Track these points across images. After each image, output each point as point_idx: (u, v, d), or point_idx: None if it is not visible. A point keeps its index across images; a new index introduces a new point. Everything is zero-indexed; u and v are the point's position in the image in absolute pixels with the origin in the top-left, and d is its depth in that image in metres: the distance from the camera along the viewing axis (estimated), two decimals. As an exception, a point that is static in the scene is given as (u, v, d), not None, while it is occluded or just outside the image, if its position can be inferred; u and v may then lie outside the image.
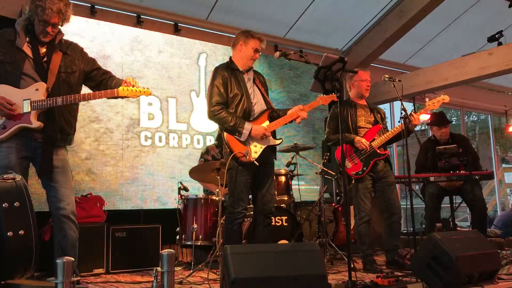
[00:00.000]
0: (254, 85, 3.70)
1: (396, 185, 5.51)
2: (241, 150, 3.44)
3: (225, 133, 3.51)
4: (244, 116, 3.52)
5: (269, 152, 3.62)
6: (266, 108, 3.66)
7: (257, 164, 3.44)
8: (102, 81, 3.26)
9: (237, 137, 3.46)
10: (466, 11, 7.14)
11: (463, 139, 5.59)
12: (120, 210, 5.25)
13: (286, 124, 3.67)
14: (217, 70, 3.61)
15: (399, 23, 6.80)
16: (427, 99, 4.36)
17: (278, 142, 3.64)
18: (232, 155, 3.42)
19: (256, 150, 3.50)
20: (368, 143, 4.18)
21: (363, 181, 4.22)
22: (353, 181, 4.27)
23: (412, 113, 4.22)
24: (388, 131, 4.29)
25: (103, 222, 4.55)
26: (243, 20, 6.38)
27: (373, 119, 4.36)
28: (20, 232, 1.95)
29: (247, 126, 3.44)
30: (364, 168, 4.19)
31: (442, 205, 5.48)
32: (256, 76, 3.77)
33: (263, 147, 3.53)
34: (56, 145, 3.08)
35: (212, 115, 3.51)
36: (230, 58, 3.72)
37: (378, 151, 4.21)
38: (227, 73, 3.58)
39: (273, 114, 3.70)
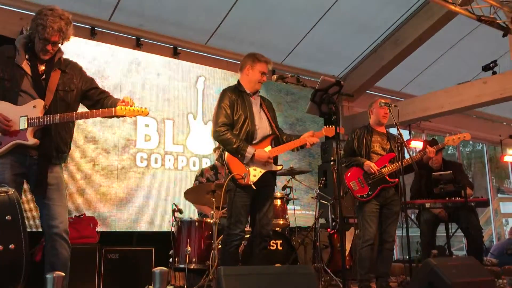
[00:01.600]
0: (261, 110, 3.71)
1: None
2: (240, 172, 3.42)
3: (226, 154, 3.50)
4: (246, 138, 3.51)
5: (270, 176, 3.61)
6: (270, 133, 3.66)
7: (254, 188, 3.42)
8: (99, 100, 3.26)
9: (240, 159, 3.45)
10: (460, 40, 7.26)
11: (456, 165, 5.59)
12: (113, 231, 5.20)
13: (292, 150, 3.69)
14: (225, 92, 3.63)
15: (395, 51, 6.92)
16: (447, 135, 4.41)
17: (278, 168, 3.63)
18: (230, 176, 3.41)
19: (255, 173, 3.48)
20: (377, 167, 4.19)
21: (369, 205, 4.21)
22: (357, 203, 4.28)
23: (428, 147, 4.28)
24: (404, 159, 4.29)
25: (95, 243, 4.51)
26: (242, 46, 6.46)
27: (388, 146, 4.38)
28: (10, 246, 1.91)
29: (250, 150, 3.44)
30: (370, 193, 4.20)
31: (437, 234, 5.45)
32: (263, 102, 3.79)
33: (263, 171, 3.51)
34: (52, 162, 3.06)
35: (217, 136, 3.51)
36: (238, 81, 3.74)
37: (388, 178, 4.22)
38: (234, 95, 3.60)
39: (278, 140, 3.70)
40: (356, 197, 4.27)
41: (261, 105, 3.73)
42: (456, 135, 4.32)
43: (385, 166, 4.24)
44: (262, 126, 3.64)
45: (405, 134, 8.25)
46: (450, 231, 5.31)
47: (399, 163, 4.20)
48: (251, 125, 3.55)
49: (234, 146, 3.43)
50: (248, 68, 3.67)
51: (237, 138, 3.46)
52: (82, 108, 3.29)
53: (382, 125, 4.48)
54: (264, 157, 3.47)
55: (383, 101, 4.29)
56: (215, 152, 5.33)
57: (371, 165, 4.20)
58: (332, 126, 3.64)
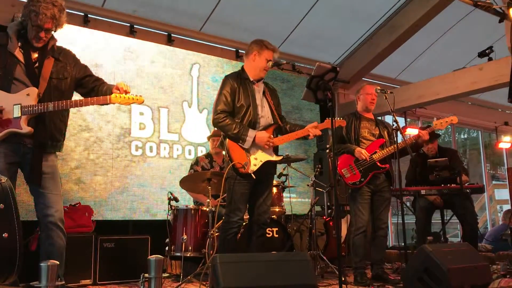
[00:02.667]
0: (263, 98, 3.66)
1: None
2: (241, 160, 3.41)
3: (227, 141, 3.49)
4: (248, 126, 3.48)
5: (270, 165, 3.60)
6: (272, 123, 3.62)
7: (254, 177, 3.41)
8: (94, 88, 3.23)
9: (241, 145, 3.42)
10: (455, 25, 7.23)
11: (451, 152, 5.60)
12: (109, 220, 5.19)
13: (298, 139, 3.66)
14: (227, 79, 3.59)
15: (390, 38, 6.88)
16: (434, 119, 4.40)
17: (278, 158, 3.60)
18: (231, 165, 3.39)
19: (255, 162, 3.46)
20: (368, 154, 4.19)
21: (361, 192, 4.22)
22: (350, 191, 4.28)
23: (420, 130, 4.28)
24: (399, 143, 4.29)
25: (91, 232, 4.50)
26: (236, 32, 6.41)
27: (377, 132, 4.38)
28: (4, 235, 1.90)
29: (251, 133, 3.41)
30: (362, 179, 4.20)
31: (433, 221, 5.48)
32: (267, 89, 3.74)
33: (263, 161, 3.49)
34: (46, 151, 3.04)
35: (216, 123, 3.48)
36: (242, 67, 3.70)
37: (379, 164, 4.22)
38: (236, 82, 3.55)
39: (281, 130, 3.68)
40: (348, 184, 4.25)
41: (264, 92, 3.69)
42: (444, 118, 4.33)
43: (375, 152, 4.24)
44: (264, 115, 3.60)
45: (401, 121, 8.25)
46: (445, 217, 5.35)
47: (390, 148, 4.21)
48: (253, 114, 3.51)
49: (235, 131, 3.40)
50: (255, 54, 3.61)
51: (237, 123, 3.43)
52: (76, 96, 3.26)
53: (369, 111, 4.48)
54: (264, 139, 3.43)
55: (378, 88, 4.28)
56: (209, 140, 5.31)
57: (362, 152, 4.19)
58: (337, 119, 3.64)
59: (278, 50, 3.69)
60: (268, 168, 3.56)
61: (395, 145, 4.18)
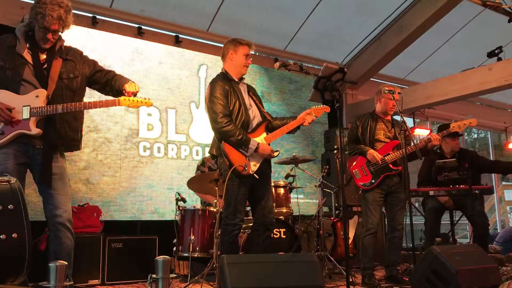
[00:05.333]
0: (249, 97, 3.69)
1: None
2: (240, 162, 3.40)
3: (224, 145, 3.47)
4: (242, 127, 3.49)
5: (265, 164, 3.59)
6: (263, 120, 3.65)
7: (257, 177, 3.42)
8: (107, 82, 3.25)
9: (243, 151, 3.42)
10: (464, 26, 7.18)
11: (472, 154, 5.55)
12: (117, 220, 5.21)
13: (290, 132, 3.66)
14: (216, 82, 3.57)
15: (399, 38, 6.85)
16: (452, 121, 4.40)
17: (276, 154, 3.59)
18: (232, 168, 3.38)
19: (255, 162, 3.47)
20: (380, 156, 4.16)
21: (373, 194, 4.20)
22: (360, 192, 4.27)
23: (432, 134, 4.25)
24: (409, 146, 4.25)
25: (99, 232, 4.52)
26: (243, 32, 6.40)
27: (392, 134, 4.36)
28: (13, 235, 1.92)
29: (253, 142, 3.43)
30: (373, 181, 4.19)
31: (442, 222, 5.44)
32: (249, 88, 3.77)
33: (261, 159, 3.51)
34: (56, 152, 3.06)
35: (220, 127, 3.42)
36: (224, 70, 3.69)
37: (391, 166, 4.19)
38: (226, 85, 3.54)
39: (270, 125, 3.70)
40: (358, 185, 4.25)
41: (248, 92, 3.71)
42: (462, 121, 4.30)
43: (388, 154, 4.21)
44: (254, 114, 3.62)
45: (409, 122, 8.21)
46: (454, 218, 5.30)
47: (403, 150, 4.18)
48: (245, 115, 3.52)
49: (239, 137, 3.39)
50: (232, 53, 3.62)
51: (240, 129, 3.43)
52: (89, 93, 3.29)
53: (387, 115, 4.46)
54: (267, 151, 3.47)
55: (386, 88, 4.26)
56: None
57: (374, 155, 4.17)
58: (321, 106, 3.60)
59: (253, 44, 3.70)
60: (264, 168, 3.56)
61: (403, 150, 4.17)
